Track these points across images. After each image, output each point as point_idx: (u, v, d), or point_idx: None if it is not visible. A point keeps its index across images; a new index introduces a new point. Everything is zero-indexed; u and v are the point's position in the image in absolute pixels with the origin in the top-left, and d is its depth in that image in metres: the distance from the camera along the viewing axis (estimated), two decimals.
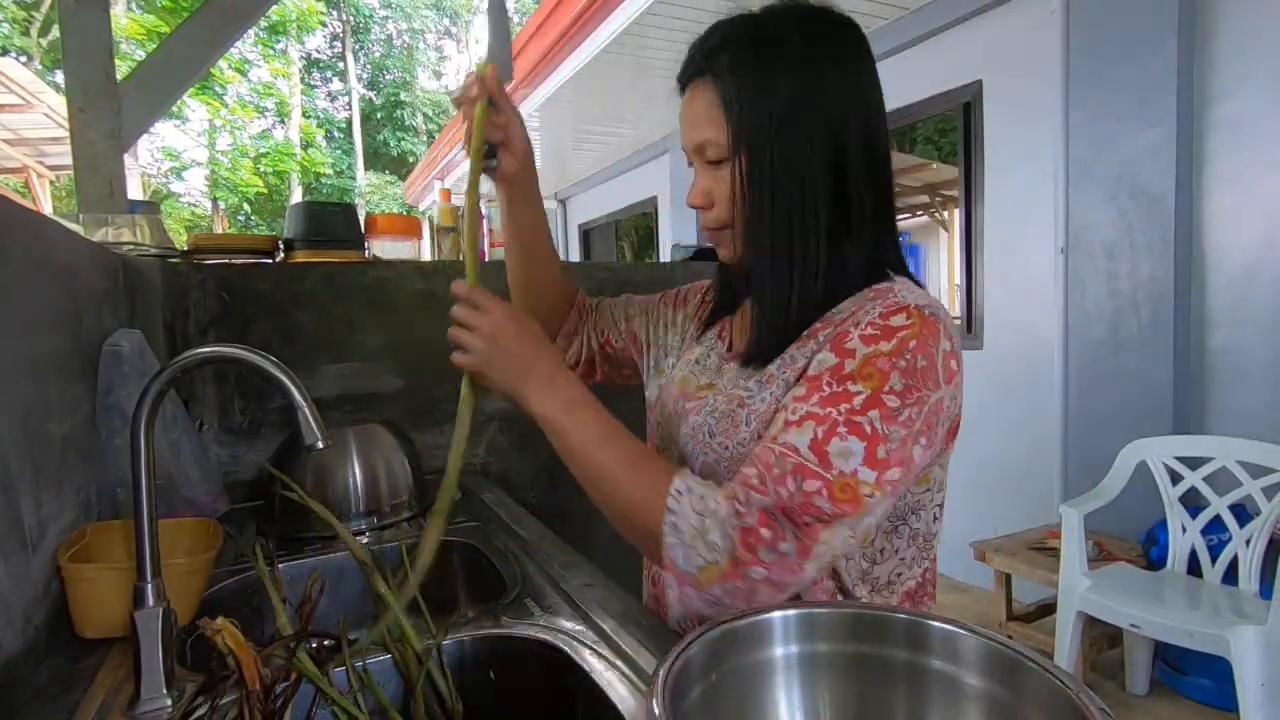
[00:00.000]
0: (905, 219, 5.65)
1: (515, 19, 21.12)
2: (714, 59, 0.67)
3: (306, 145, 16.18)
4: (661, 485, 0.60)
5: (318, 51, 18.61)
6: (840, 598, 0.67)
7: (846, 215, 0.66)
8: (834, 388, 0.59)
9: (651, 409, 0.86)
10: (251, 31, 11.67)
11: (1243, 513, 1.99)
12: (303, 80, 17.11)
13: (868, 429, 0.57)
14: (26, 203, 4.78)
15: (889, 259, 0.70)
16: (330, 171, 16.59)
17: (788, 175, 0.65)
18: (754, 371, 0.69)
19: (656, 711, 0.39)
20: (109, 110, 1.59)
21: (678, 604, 0.59)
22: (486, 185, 0.86)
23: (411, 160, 17.14)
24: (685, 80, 0.71)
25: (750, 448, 0.66)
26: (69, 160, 1.65)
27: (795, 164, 0.64)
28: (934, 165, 4.20)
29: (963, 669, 0.47)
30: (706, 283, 0.89)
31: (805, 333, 0.67)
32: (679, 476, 0.61)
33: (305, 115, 16.98)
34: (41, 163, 5.94)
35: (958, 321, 3.28)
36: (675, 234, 4.98)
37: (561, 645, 0.74)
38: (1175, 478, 2.09)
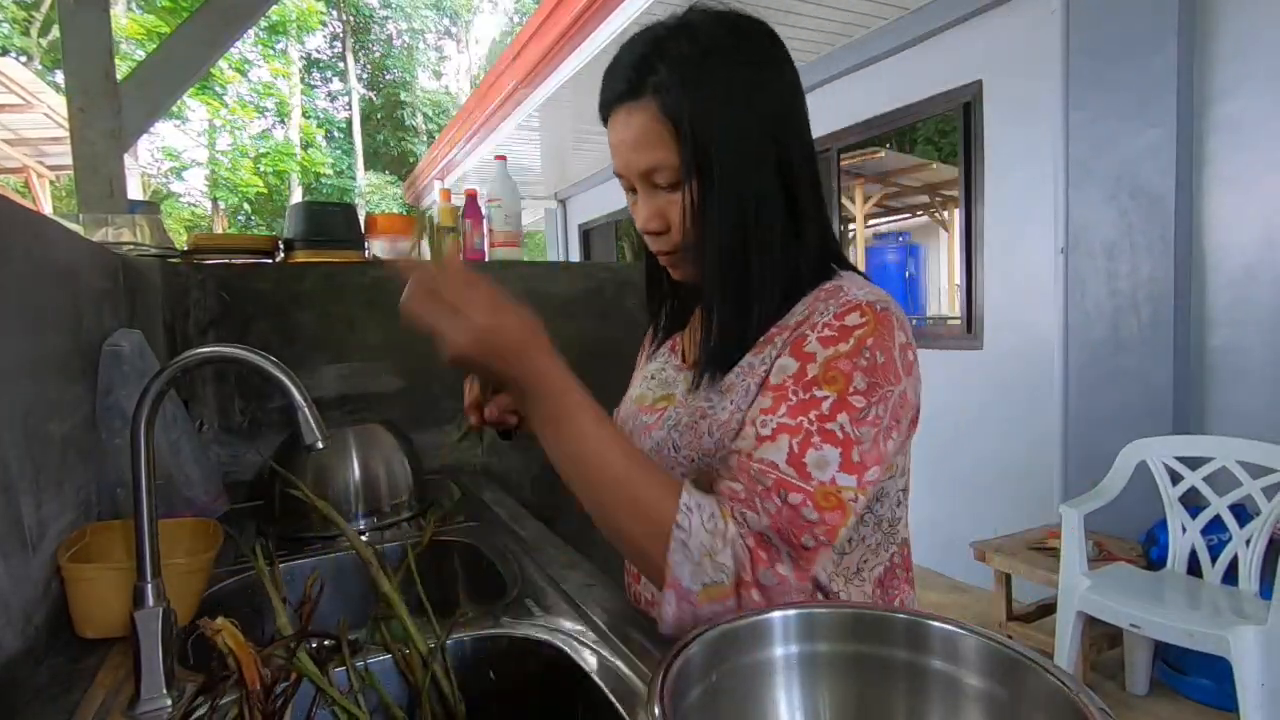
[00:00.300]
0: (905, 219, 5.65)
1: (515, 19, 21.15)
2: (647, 75, 0.62)
3: (306, 145, 16.19)
4: (668, 500, 0.58)
5: (318, 51, 18.62)
6: (819, 595, 0.67)
7: (795, 218, 0.66)
8: (800, 395, 0.59)
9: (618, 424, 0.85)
10: (251, 31, 11.68)
11: (1243, 513, 1.99)
12: (303, 80, 17.12)
13: (840, 434, 0.58)
14: (26, 203, 4.78)
15: (832, 253, 0.70)
16: (330, 171, 16.60)
17: (744, 189, 0.63)
18: (712, 381, 0.69)
19: (656, 712, 0.39)
20: (109, 110, 1.59)
21: (674, 620, 0.58)
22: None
23: (411, 160, 17.15)
24: (614, 103, 0.65)
25: (715, 457, 0.65)
26: (69, 160, 1.65)
27: (749, 176, 0.63)
28: (934, 165, 4.20)
29: (963, 669, 0.47)
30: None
31: (762, 338, 0.66)
32: (685, 491, 0.59)
33: (305, 115, 16.98)
34: (41, 163, 5.95)
35: (957, 321, 3.28)
36: None
37: (561, 645, 0.74)
38: (1175, 478, 2.09)
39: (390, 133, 18.52)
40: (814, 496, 0.57)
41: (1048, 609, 2.39)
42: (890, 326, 0.61)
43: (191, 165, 14.24)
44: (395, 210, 13.48)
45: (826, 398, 0.59)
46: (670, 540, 0.57)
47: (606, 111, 0.67)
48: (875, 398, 0.59)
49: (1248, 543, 1.94)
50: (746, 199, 0.63)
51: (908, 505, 0.72)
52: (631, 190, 0.70)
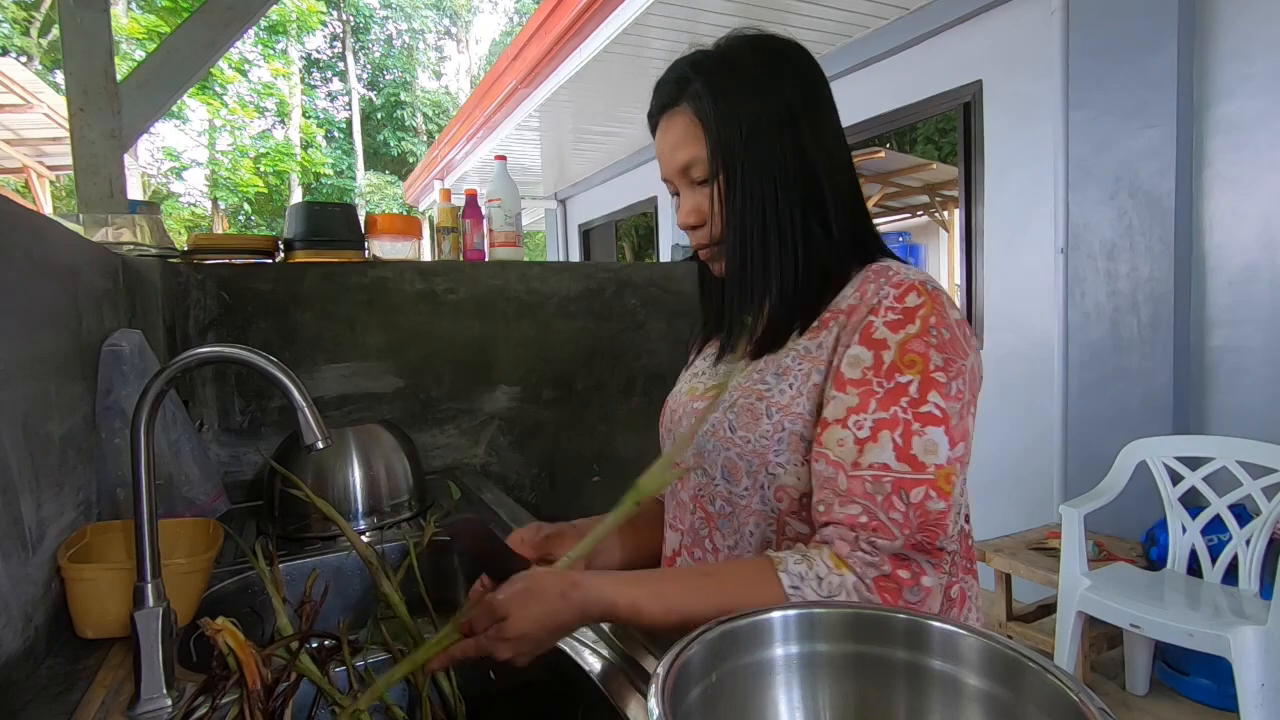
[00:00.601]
0: (905, 219, 5.65)
1: (515, 19, 21.14)
2: (685, 87, 0.71)
3: (306, 145, 16.19)
4: (768, 586, 0.58)
5: (318, 51, 18.61)
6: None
7: (823, 214, 0.71)
8: (885, 385, 0.61)
9: (663, 431, 0.86)
10: (251, 31, 11.67)
11: (1243, 513, 1.99)
12: (303, 80, 17.12)
13: (938, 413, 0.59)
14: (26, 203, 4.78)
15: (874, 247, 0.73)
16: (330, 171, 16.60)
17: (763, 180, 0.69)
18: (766, 365, 0.71)
19: (656, 712, 0.39)
20: (109, 110, 1.59)
21: None
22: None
23: (411, 160, 17.15)
24: (659, 113, 0.75)
25: (774, 438, 0.67)
26: (69, 160, 1.65)
27: (767, 171, 0.69)
28: (934, 165, 4.20)
29: (963, 669, 0.47)
30: None
31: (816, 323, 0.69)
32: (776, 567, 0.59)
33: (305, 115, 16.98)
34: (41, 163, 5.95)
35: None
36: (675, 234, 4.98)
37: (561, 646, 0.74)
38: (1175, 478, 2.09)
39: (390, 133, 18.52)
40: (935, 484, 0.58)
41: (1048, 609, 2.39)
42: (944, 303, 0.64)
43: (191, 165, 14.25)
44: (395, 210, 13.48)
45: (911, 381, 0.60)
46: (784, 587, 0.58)
47: (654, 121, 0.76)
48: (953, 372, 0.61)
49: (1248, 543, 1.94)
50: (766, 189, 0.69)
51: (966, 490, 0.71)
52: (675, 194, 0.77)
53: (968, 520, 0.74)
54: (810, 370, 0.67)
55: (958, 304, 3.21)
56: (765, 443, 0.67)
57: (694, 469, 0.75)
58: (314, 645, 0.67)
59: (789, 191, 0.69)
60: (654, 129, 0.77)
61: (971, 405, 0.63)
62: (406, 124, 18.73)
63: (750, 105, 0.69)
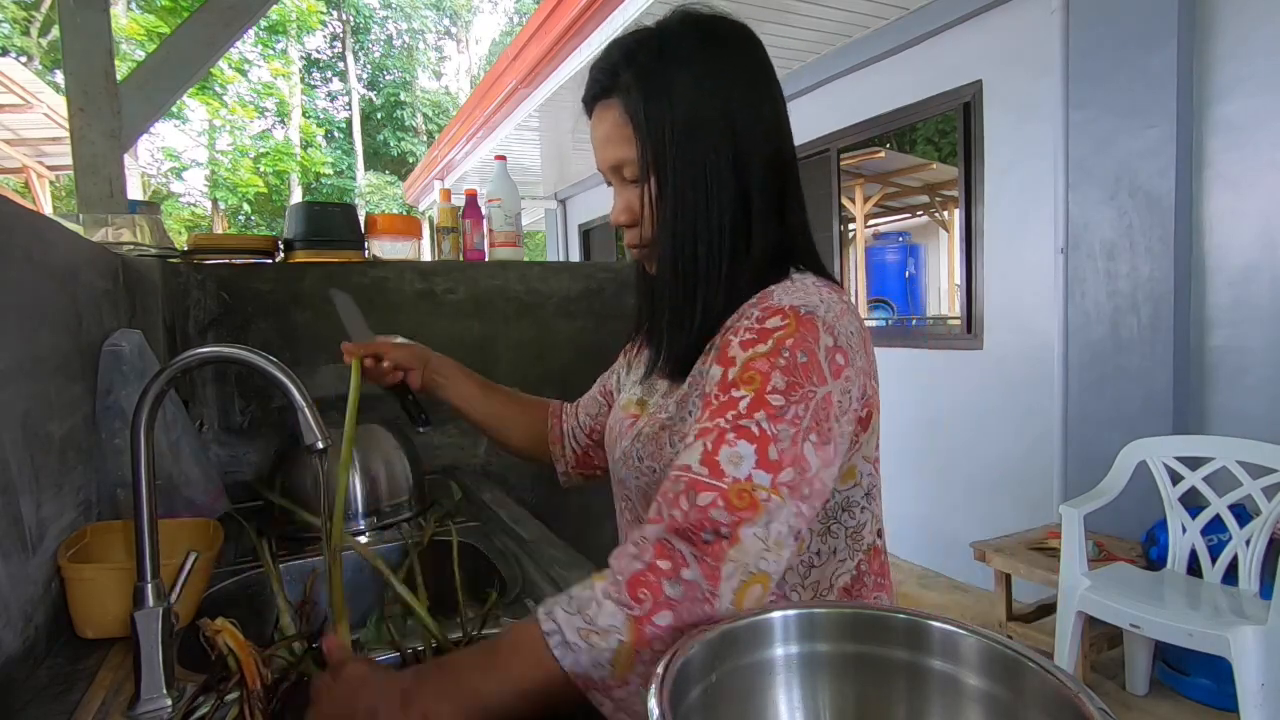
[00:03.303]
0: (905, 219, 5.65)
1: (515, 19, 21.14)
2: (616, 77, 0.67)
3: (306, 145, 16.18)
4: (529, 628, 0.54)
5: (318, 51, 18.61)
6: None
7: (748, 220, 0.67)
8: (720, 398, 0.59)
9: (607, 440, 0.85)
10: (251, 31, 11.68)
11: (1243, 513, 1.99)
12: (303, 80, 17.11)
13: (755, 430, 0.56)
14: (26, 203, 4.78)
15: (798, 254, 0.70)
16: (330, 171, 16.59)
17: (692, 187, 0.65)
18: (672, 389, 0.70)
19: (656, 712, 0.39)
20: (109, 110, 1.59)
21: (626, 697, 0.52)
22: None
23: (411, 160, 17.15)
24: (591, 101, 0.71)
25: None
26: (69, 160, 1.65)
27: (700, 174, 0.65)
28: (934, 165, 4.20)
29: (963, 669, 0.47)
30: None
31: (708, 345, 0.67)
32: (541, 622, 0.54)
33: (305, 115, 16.98)
34: (41, 163, 5.95)
35: (957, 321, 3.27)
36: None
37: None
38: (1175, 478, 2.09)
39: (390, 133, 18.52)
40: (727, 494, 0.54)
41: (1048, 609, 2.39)
42: (814, 330, 0.60)
43: (191, 165, 14.24)
44: (395, 210, 13.48)
45: (743, 397, 0.58)
46: (551, 652, 0.51)
47: (588, 108, 0.72)
48: (795, 397, 0.58)
49: (1248, 543, 1.94)
50: (698, 196, 0.66)
51: (875, 511, 0.71)
52: (609, 184, 0.74)
53: (880, 535, 0.73)
54: (696, 397, 0.67)
55: (958, 308, 3.18)
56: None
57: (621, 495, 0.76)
58: (315, 645, 0.67)
59: (720, 200, 0.66)
60: (588, 114, 0.73)
61: (814, 434, 0.57)
62: (406, 124, 18.73)
63: (684, 104, 0.65)
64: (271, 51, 15.24)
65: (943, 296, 5.50)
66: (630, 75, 0.66)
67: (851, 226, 4.54)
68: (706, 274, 0.67)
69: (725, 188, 0.66)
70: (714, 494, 0.54)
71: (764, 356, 0.59)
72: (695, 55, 0.66)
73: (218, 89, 12.97)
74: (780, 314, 0.62)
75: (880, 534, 0.73)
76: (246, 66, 14.56)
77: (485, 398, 0.99)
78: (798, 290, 0.65)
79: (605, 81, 0.68)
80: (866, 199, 4.69)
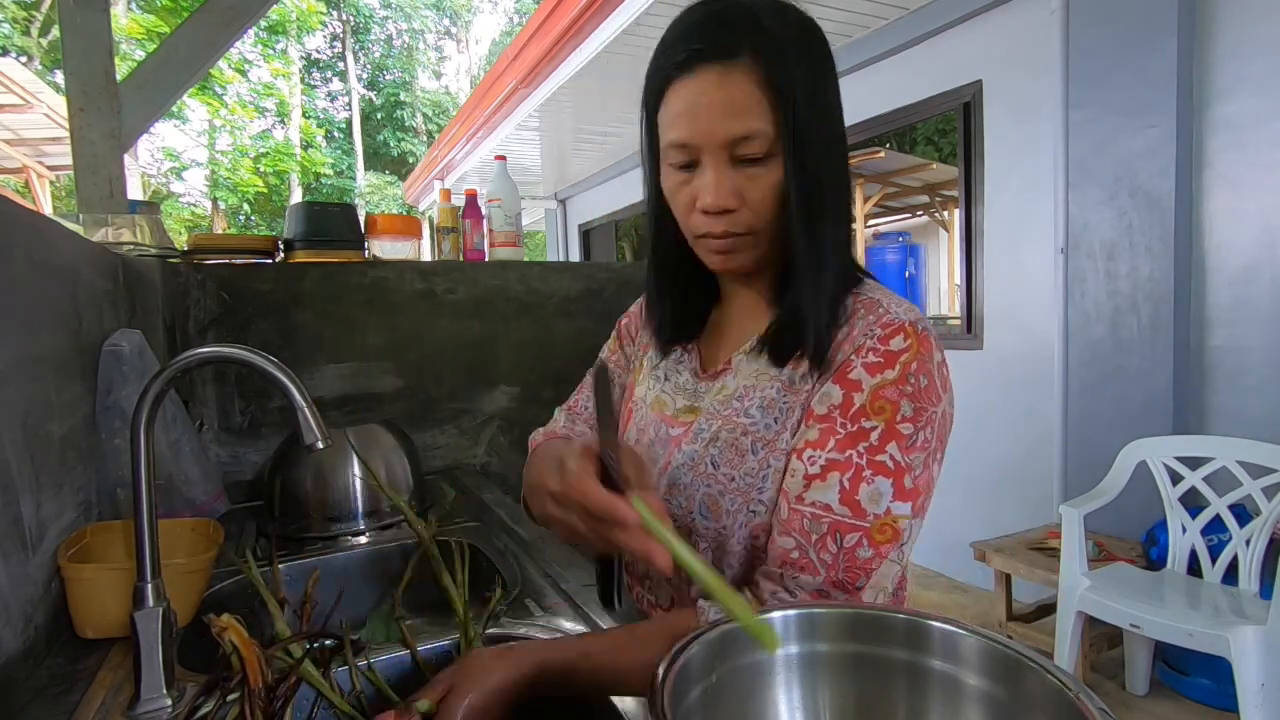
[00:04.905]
0: (905, 219, 5.66)
1: (515, 19, 21.14)
2: (747, 39, 0.58)
3: (306, 145, 16.18)
4: (691, 628, 0.53)
5: (318, 51, 18.61)
6: None
7: (849, 218, 0.67)
8: (848, 427, 0.59)
9: (629, 431, 0.79)
10: (251, 31, 11.67)
11: (1243, 513, 1.99)
12: (303, 80, 17.11)
13: (890, 465, 0.58)
14: (26, 203, 4.78)
15: (856, 263, 0.70)
16: (330, 172, 16.59)
17: (827, 172, 0.61)
18: (747, 395, 0.66)
19: (656, 712, 0.39)
20: (109, 110, 1.59)
21: None
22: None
23: (411, 160, 17.15)
24: (700, 62, 0.59)
25: (759, 475, 0.63)
26: (69, 160, 1.65)
27: (832, 160, 0.62)
28: (934, 165, 4.20)
29: (963, 669, 0.47)
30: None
31: (799, 352, 0.64)
32: (698, 614, 0.58)
33: (305, 115, 16.98)
34: (41, 163, 5.94)
35: (957, 322, 3.28)
36: None
37: None
38: (1175, 478, 2.09)
39: (390, 133, 18.52)
40: (869, 533, 0.57)
41: (1048, 609, 2.39)
42: (930, 348, 0.60)
43: (191, 165, 14.24)
44: (395, 210, 13.48)
45: (875, 428, 0.58)
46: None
47: (686, 69, 0.59)
48: (922, 422, 0.59)
49: (1248, 543, 1.94)
50: (826, 182, 0.61)
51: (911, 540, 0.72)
52: (686, 167, 0.62)
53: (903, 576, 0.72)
54: (794, 405, 0.63)
55: (958, 308, 3.18)
56: (750, 480, 0.64)
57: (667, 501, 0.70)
58: (316, 645, 0.67)
59: (838, 190, 0.63)
60: (675, 79, 0.60)
61: (939, 453, 0.60)
62: (406, 124, 18.73)
63: (817, 81, 0.60)
64: (271, 51, 15.24)
65: (943, 296, 5.51)
66: (766, 41, 0.58)
67: (852, 226, 4.54)
68: (830, 266, 0.63)
69: (842, 179, 0.64)
70: (859, 534, 0.57)
71: (893, 384, 0.59)
72: (808, 36, 0.61)
73: (218, 89, 12.97)
74: (901, 332, 0.60)
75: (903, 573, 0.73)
76: (246, 66, 14.56)
77: None
78: (897, 300, 0.64)
79: (732, 41, 0.58)
80: (866, 199, 4.69)
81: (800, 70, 0.59)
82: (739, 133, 0.58)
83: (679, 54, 0.60)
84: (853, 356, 0.61)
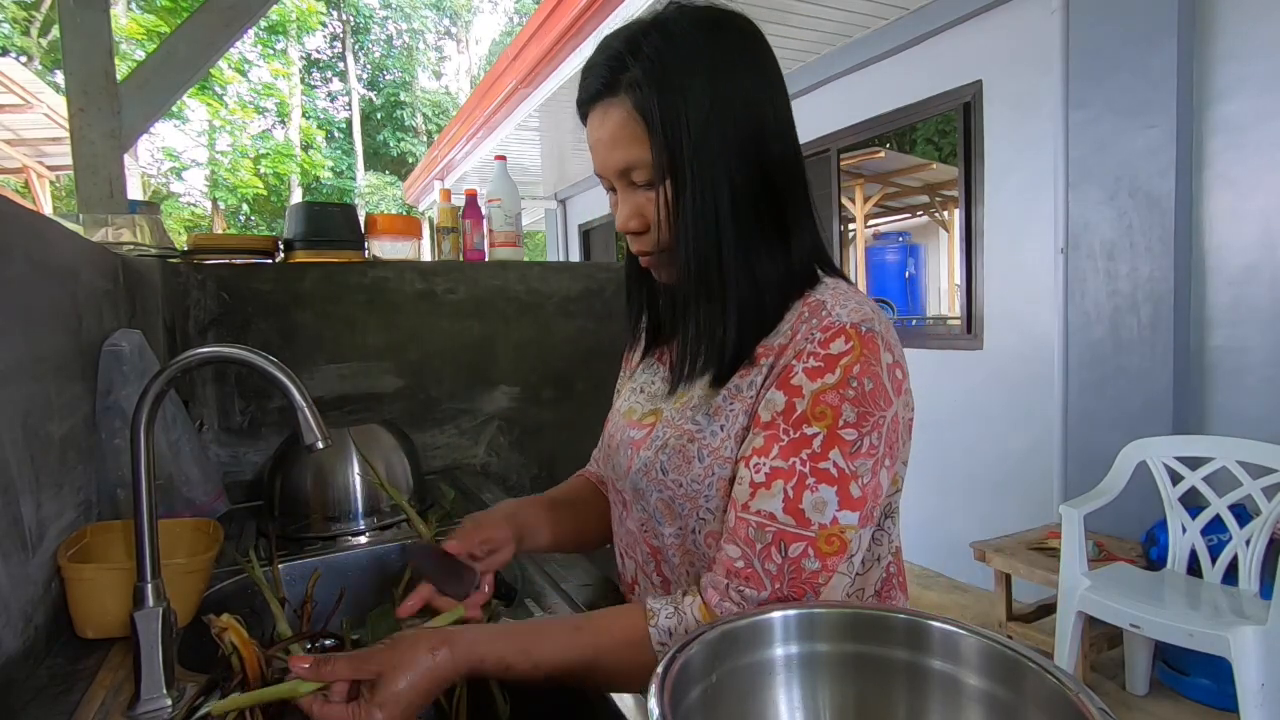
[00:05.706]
0: (905, 219, 5.65)
1: (515, 19, 21.14)
2: (620, 73, 0.62)
3: (306, 146, 16.18)
4: (637, 644, 0.58)
5: (318, 51, 18.61)
6: None
7: (780, 216, 0.64)
8: (791, 434, 0.58)
9: (602, 439, 0.83)
10: (251, 31, 11.67)
11: (1243, 513, 1.99)
12: (303, 80, 17.11)
13: (834, 471, 0.57)
14: (26, 203, 4.78)
15: (818, 256, 0.68)
16: (330, 172, 16.59)
17: (714, 188, 0.61)
18: (699, 402, 0.66)
19: (656, 712, 0.39)
20: (109, 110, 1.59)
21: None
22: None
23: (411, 160, 17.15)
24: (589, 101, 0.65)
25: (704, 483, 0.64)
26: (69, 160, 1.65)
27: (721, 173, 0.61)
28: (934, 165, 4.20)
29: (963, 669, 0.47)
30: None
31: (749, 359, 0.64)
32: (648, 621, 0.59)
33: (305, 116, 16.98)
34: (41, 163, 5.94)
35: (957, 322, 3.28)
36: None
37: None
38: (1175, 478, 2.09)
39: (390, 133, 18.52)
40: (815, 543, 0.56)
41: (1048, 609, 2.39)
42: (876, 349, 0.59)
43: (191, 165, 14.23)
44: (395, 210, 13.48)
45: (816, 434, 0.57)
46: (652, 646, 0.58)
47: (584, 110, 0.67)
48: (867, 427, 0.58)
49: (1248, 543, 1.94)
50: (721, 198, 0.61)
51: (898, 511, 0.71)
52: (611, 189, 0.68)
53: (898, 556, 0.72)
54: (739, 411, 0.63)
55: (958, 308, 3.19)
56: (696, 487, 0.64)
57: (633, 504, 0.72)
58: (316, 645, 0.67)
59: (745, 198, 0.62)
60: (583, 118, 0.67)
61: (888, 459, 0.59)
62: (406, 124, 18.73)
63: (700, 96, 0.60)
64: (271, 52, 15.24)
65: (943, 296, 5.51)
66: (638, 70, 0.61)
67: (851, 226, 4.54)
68: (737, 280, 0.62)
69: (747, 186, 0.62)
70: (803, 544, 0.57)
71: (833, 389, 0.58)
72: (704, 46, 0.61)
73: (218, 89, 12.97)
74: (843, 335, 0.59)
75: (899, 535, 0.73)
76: (246, 67, 14.56)
77: (560, 525, 0.88)
78: (846, 300, 0.62)
79: (607, 78, 0.62)
80: (866, 199, 4.69)
81: (695, 82, 0.60)
82: (623, 163, 0.64)
83: (581, 92, 0.66)
84: (794, 361, 0.60)
